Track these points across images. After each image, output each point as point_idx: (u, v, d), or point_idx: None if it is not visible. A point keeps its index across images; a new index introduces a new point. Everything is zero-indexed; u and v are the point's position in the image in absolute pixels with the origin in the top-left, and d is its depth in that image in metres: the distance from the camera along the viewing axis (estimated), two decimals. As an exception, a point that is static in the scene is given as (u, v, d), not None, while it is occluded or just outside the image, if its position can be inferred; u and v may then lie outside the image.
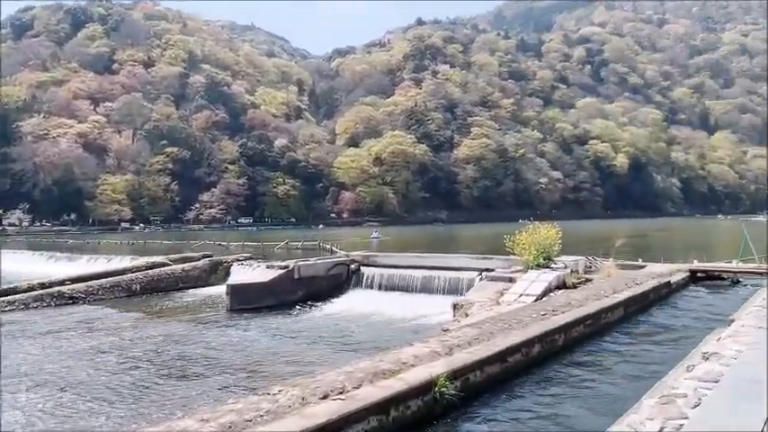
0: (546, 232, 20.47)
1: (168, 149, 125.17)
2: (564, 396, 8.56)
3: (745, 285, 20.17)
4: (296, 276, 23.05)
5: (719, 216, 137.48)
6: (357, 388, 6.47)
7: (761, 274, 20.14)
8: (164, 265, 28.02)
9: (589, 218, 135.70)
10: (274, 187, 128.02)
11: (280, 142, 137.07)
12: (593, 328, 12.62)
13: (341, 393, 6.21)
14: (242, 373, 12.42)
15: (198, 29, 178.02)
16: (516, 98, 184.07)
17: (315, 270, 23.89)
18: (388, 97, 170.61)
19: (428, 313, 19.06)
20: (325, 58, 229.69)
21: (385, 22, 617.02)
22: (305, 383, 6.51)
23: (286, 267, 23.16)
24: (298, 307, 21.26)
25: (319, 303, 21.90)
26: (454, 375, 7.69)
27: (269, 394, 6.07)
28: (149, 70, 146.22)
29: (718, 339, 6.43)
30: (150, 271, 26.40)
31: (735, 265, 21.89)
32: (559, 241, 20.64)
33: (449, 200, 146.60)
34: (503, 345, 9.32)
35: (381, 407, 6.31)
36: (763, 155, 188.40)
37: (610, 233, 54.51)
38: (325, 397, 6.09)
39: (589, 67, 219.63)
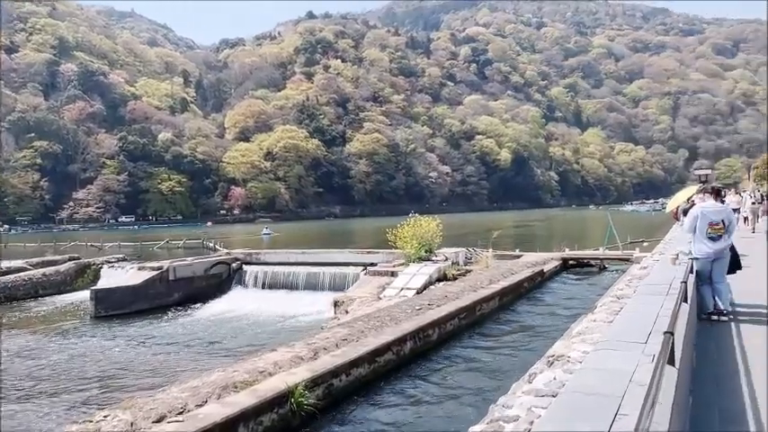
0: (427, 225, 20.61)
1: (36, 143, 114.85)
2: (424, 400, 8.33)
3: (611, 271, 21.50)
4: (171, 278, 21.62)
5: (591, 206, 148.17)
6: (201, 406, 5.80)
7: (624, 260, 21.57)
8: (21, 270, 25.33)
9: (477, 210, 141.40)
10: (159, 183, 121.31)
11: (164, 136, 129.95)
12: (469, 320, 12.70)
13: (180, 414, 5.51)
14: (96, 389, 11.23)
15: (69, 13, 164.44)
16: (407, 94, 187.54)
17: (192, 270, 22.56)
18: (280, 91, 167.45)
19: (310, 312, 18.53)
20: (212, 49, 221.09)
21: (275, 15, 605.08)
22: (139, 404, 5.74)
23: (160, 268, 21.66)
24: (172, 310, 19.92)
25: (197, 305, 20.68)
26: (316, 382, 7.23)
27: (91, 422, 5.24)
28: (12, 56, 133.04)
29: (569, 337, 6.43)
30: (3, 278, 23.72)
31: (601, 252, 23.34)
32: (441, 233, 20.87)
33: (342, 194, 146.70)
34: (372, 345, 9.00)
35: (226, 427, 5.67)
36: (627, 150, 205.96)
37: (494, 224, 56.69)
38: (160, 420, 5.37)
39: (475, 65, 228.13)
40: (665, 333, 3.22)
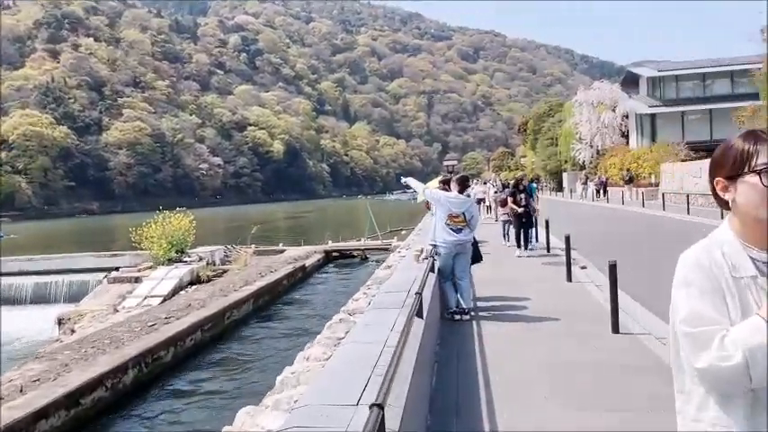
0: (178, 222, 18.44)
1: None
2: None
3: (373, 262, 21.70)
4: None
5: (360, 197, 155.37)
6: None
7: (384, 249, 21.96)
8: None
9: (251, 203, 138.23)
10: None
11: None
12: (216, 331, 11.19)
13: None
14: None
15: None
16: (172, 81, 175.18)
17: None
18: (16, 69, 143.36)
19: (29, 334, 15.16)
20: None
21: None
22: None
23: None
24: None
25: None
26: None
27: None
28: None
29: (308, 347, 5.47)
30: None
31: (363, 242, 23.56)
32: (194, 231, 18.89)
33: (100, 189, 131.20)
34: (73, 384, 7.01)
35: None
36: (390, 143, 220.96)
37: (266, 217, 55.30)
38: None
39: (245, 55, 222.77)
40: (383, 382, 2.28)
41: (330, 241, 24.02)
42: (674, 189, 28.14)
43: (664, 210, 23.96)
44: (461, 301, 6.83)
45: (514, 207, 12.51)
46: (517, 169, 68.86)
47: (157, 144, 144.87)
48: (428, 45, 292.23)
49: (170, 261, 17.57)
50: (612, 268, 6.08)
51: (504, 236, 14.00)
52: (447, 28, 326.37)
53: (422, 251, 7.46)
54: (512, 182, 14.70)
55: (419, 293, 4.00)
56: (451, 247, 6.71)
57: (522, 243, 12.56)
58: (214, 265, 18.41)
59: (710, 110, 42.53)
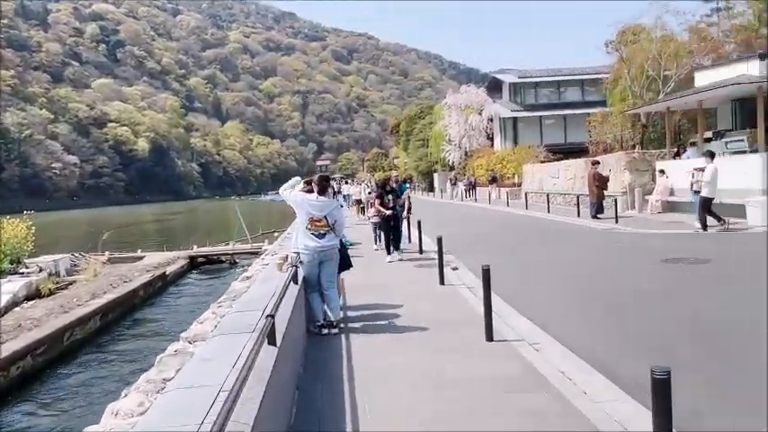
0: (12, 230, 16.15)
1: None
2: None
3: (241, 267, 20.52)
4: None
5: (233, 197, 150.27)
6: None
7: (254, 253, 20.86)
8: None
9: (114, 204, 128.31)
10: None
11: None
12: (51, 355, 9.67)
13: None
14: None
15: None
16: (18, 71, 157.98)
17: None
18: None
19: None
20: None
21: None
22: None
23: None
24: None
25: None
26: None
27: None
28: None
29: (123, 394, 4.58)
30: None
31: (231, 246, 22.27)
32: (33, 238, 16.64)
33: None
34: None
35: None
36: (264, 143, 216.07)
37: (130, 219, 51.23)
38: None
39: (104, 46, 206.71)
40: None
41: (195, 246, 22.44)
42: (535, 189, 29.69)
43: (526, 209, 25.09)
44: (329, 314, 6.25)
45: (381, 209, 11.79)
46: (391, 169, 69.91)
47: (1, 140, 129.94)
48: (302, 45, 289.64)
49: (2, 273, 15.30)
50: (486, 273, 5.80)
51: (376, 239, 13.42)
52: (321, 29, 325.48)
53: (286, 258, 6.80)
54: (379, 182, 13.86)
55: (271, 316, 3.35)
56: (315, 254, 6.09)
57: (391, 247, 11.94)
58: (58, 276, 16.32)
59: (564, 115, 45.75)
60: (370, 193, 24.88)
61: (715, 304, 6.98)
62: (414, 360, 5.22)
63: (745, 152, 15.54)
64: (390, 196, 11.79)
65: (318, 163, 49.05)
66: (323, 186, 6.16)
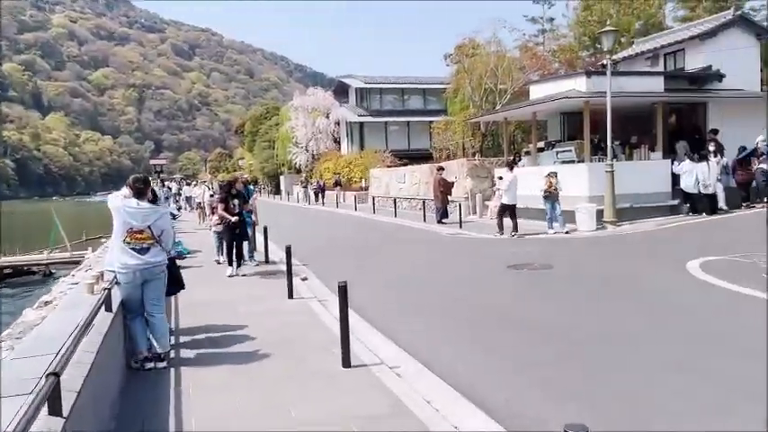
0: None
1: None
2: None
3: (58, 278, 17.94)
4: None
5: (56, 198, 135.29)
6: None
7: (74, 263, 18.36)
8: None
9: None
10: None
11: None
12: None
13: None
14: None
15: None
16: None
17: None
18: None
19: None
20: None
21: None
22: None
23: None
24: None
25: None
26: None
27: None
28: None
29: None
30: None
31: (46, 255, 19.42)
32: None
33: None
34: None
35: None
36: (94, 139, 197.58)
37: None
38: None
39: None
40: None
41: (2, 255, 19.25)
42: (382, 193, 29.95)
43: (374, 213, 25.12)
44: (155, 344, 5.20)
45: (226, 215, 10.26)
46: (235, 170, 67.25)
47: None
48: (138, 35, 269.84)
49: None
50: (343, 291, 5.15)
51: (218, 249, 11.73)
52: (160, 20, 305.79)
53: (102, 275, 5.60)
54: (223, 184, 11.94)
55: (55, 374, 2.40)
56: (135, 273, 5.00)
57: (235, 259, 10.43)
58: None
59: (408, 122, 47.18)
60: (212, 195, 23.27)
61: (564, 312, 7.05)
62: (258, 398, 4.42)
63: (573, 162, 16.72)
64: (237, 201, 10.36)
65: (153, 162, 44.99)
66: (138, 190, 5.06)
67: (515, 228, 14.51)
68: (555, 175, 14.46)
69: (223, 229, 10.64)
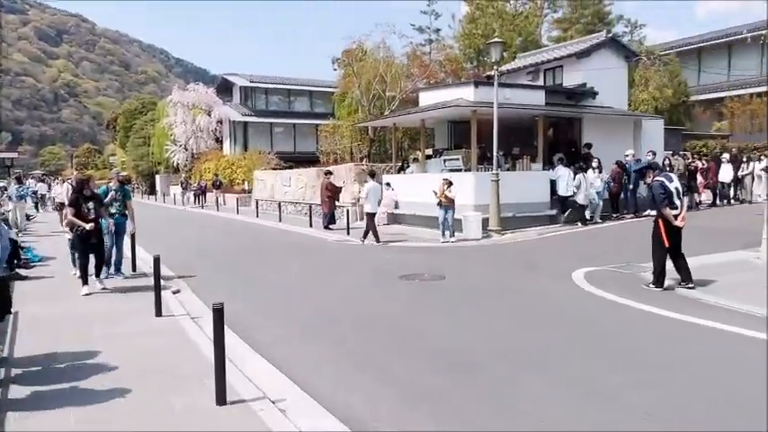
0: None
1: None
2: None
3: None
4: None
5: None
6: None
7: None
8: None
9: None
10: None
11: None
12: None
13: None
14: None
15: None
16: None
17: None
18: None
19: None
20: None
21: None
22: None
23: None
24: None
25: None
26: None
27: None
28: None
29: None
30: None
31: None
32: None
33: None
34: None
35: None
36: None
37: None
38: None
39: None
40: None
41: None
42: (266, 196, 28.82)
43: (258, 217, 24.01)
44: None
45: (77, 221, 8.53)
46: (105, 168, 62.33)
47: None
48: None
49: None
50: (218, 314, 4.38)
51: (74, 260, 9.74)
52: (21, 1, 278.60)
53: None
54: (74, 183, 9.94)
55: None
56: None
57: (94, 274, 8.91)
58: None
59: (294, 124, 46.26)
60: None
61: (460, 328, 6.72)
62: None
63: (461, 170, 16.85)
64: (92, 204, 8.69)
65: (1, 155, 39.74)
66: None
67: (369, 236, 14.69)
68: (449, 183, 14.33)
69: (74, 238, 8.85)
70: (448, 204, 14.25)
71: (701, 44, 33.42)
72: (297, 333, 6.67)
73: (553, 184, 16.58)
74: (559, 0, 39.36)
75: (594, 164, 16.86)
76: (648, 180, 8.18)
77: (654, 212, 8.00)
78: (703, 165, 19.79)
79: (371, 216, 15.07)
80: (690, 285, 7.96)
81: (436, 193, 14.35)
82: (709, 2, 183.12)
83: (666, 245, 7.74)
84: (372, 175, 15.97)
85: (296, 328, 6.91)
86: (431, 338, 6.26)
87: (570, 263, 10.49)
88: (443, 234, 14.37)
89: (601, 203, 16.75)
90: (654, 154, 18.76)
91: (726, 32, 32.50)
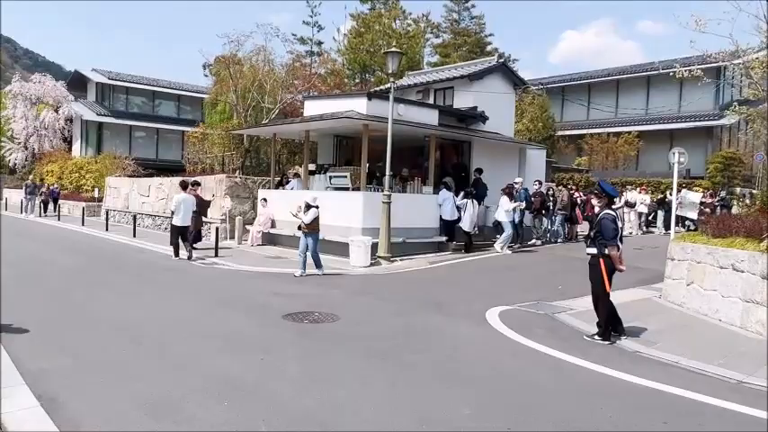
0: None
1: None
2: None
3: None
4: None
5: None
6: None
7: None
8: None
9: None
10: None
11: None
12: None
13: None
14: None
15: None
16: None
17: None
18: None
19: None
20: None
21: None
22: None
23: None
24: None
25: None
26: None
27: None
28: None
29: None
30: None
31: None
32: None
33: None
34: None
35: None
36: None
37: None
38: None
39: None
40: None
41: None
42: (120, 207, 25.34)
43: (107, 230, 20.73)
44: None
45: None
46: None
47: None
48: None
49: None
50: None
51: None
52: None
53: None
54: None
55: None
56: None
57: None
58: None
59: (158, 129, 42.38)
60: None
61: (367, 399, 5.06)
62: None
63: (348, 188, 15.32)
64: None
65: None
66: None
67: (188, 252, 13.93)
68: (308, 206, 11.69)
69: None
70: (307, 231, 11.73)
71: (563, 83, 36.05)
72: (138, 405, 4.60)
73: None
74: (442, 25, 39.79)
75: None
76: (597, 210, 7.11)
77: (593, 251, 6.86)
78: (581, 197, 20.05)
79: (184, 230, 14.24)
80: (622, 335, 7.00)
81: (295, 215, 12.28)
82: (561, 48, 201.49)
83: (608, 290, 6.68)
84: (185, 186, 14.78)
85: (140, 399, 4.82)
86: (320, 418, 4.53)
87: (476, 299, 9.31)
88: (302, 265, 11.71)
89: (511, 233, 15.92)
90: (540, 183, 18.62)
91: (587, 74, 35.55)
